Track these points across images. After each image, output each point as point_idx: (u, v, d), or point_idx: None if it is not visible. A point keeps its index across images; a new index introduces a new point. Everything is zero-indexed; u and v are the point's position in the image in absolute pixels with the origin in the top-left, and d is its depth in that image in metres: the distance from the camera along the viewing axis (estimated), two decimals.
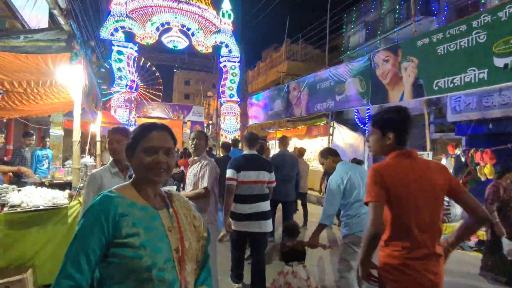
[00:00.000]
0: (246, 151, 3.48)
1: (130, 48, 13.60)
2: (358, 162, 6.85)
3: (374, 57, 8.35)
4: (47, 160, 5.95)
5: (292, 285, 2.69)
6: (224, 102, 15.91)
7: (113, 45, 13.18)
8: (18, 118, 6.16)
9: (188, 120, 19.66)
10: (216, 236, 3.09)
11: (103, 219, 1.01)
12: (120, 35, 13.38)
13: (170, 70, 44.95)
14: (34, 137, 5.83)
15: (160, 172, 1.13)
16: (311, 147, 13.42)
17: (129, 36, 13.69)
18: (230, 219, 3.29)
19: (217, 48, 15.69)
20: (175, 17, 14.51)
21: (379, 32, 12.10)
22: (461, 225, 1.77)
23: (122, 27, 13.46)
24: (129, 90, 13.62)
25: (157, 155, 1.12)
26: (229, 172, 3.27)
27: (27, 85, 4.38)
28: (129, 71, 13.60)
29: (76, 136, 3.53)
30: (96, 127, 5.64)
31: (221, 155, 5.03)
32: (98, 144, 5.60)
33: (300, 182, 6.00)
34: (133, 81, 13.80)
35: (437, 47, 6.42)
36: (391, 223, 1.67)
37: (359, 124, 9.70)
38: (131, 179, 1.19)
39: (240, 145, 6.72)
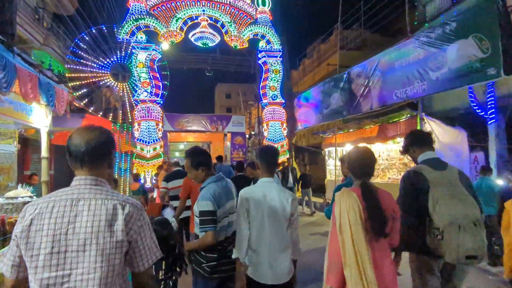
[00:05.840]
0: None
1: (153, 49, 11.61)
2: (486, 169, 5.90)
3: None
4: None
5: None
6: (266, 105, 13.24)
7: (134, 48, 11.27)
8: None
9: (228, 132, 17.27)
10: None
11: None
12: (141, 36, 11.49)
13: (212, 83, 44.07)
14: None
15: None
16: (387, 153, 10.09)
17: (151, 37, 11.73)
18: None
19: (254, 42, 13.22)
20: (203, 11, 12.36)
21: None
22: None
23: (144, 26, 11.57)
24: (154, 98, 11.55)
25: None
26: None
27: None
28: (152, 76, 11.57)
29: None
30: (43, 134, 3.23)
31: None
32: (44, 163, 3.17)
33: None
34: (158, 87, 11.72)
35: None
36: None
37: (478, 110, 6.15)
38: None
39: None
